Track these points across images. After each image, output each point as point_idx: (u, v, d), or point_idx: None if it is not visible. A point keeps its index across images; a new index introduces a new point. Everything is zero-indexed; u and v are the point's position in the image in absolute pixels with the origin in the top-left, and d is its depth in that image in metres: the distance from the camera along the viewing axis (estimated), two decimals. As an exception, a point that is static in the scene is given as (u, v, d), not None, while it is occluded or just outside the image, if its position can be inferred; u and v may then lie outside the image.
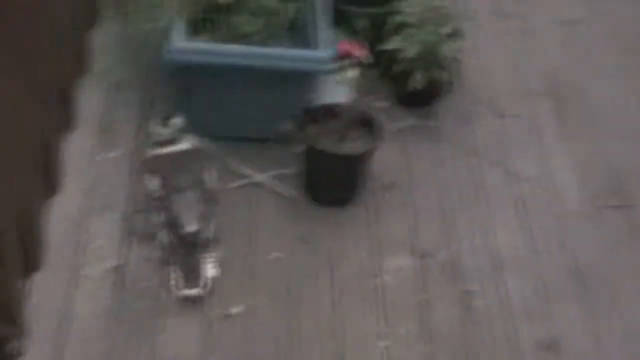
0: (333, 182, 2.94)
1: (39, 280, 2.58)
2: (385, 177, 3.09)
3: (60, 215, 2.78)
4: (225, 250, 2.78)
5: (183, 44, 2.90)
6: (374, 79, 3.34)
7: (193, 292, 2.65)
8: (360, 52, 3.19)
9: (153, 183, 2.75)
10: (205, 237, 2.72)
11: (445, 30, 3.16)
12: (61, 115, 2.68)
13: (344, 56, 3.16)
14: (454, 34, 3.21)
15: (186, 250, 2.69)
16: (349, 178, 2.94)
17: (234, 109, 3.03)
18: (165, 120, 2.77)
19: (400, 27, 3.18)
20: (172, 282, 2.66)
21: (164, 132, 2.71)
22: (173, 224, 2.69)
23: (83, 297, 2.60)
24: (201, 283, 2.67)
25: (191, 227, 2.67)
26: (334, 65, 2.97)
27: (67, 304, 2.58)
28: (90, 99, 3.19)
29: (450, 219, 3.00)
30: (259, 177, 3.02)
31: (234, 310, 2.63)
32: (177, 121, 2.74)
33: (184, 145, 2.76)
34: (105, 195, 2.90)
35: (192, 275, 2.68)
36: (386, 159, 3.09)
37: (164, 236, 2.72)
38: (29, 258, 2.38)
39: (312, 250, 2.83)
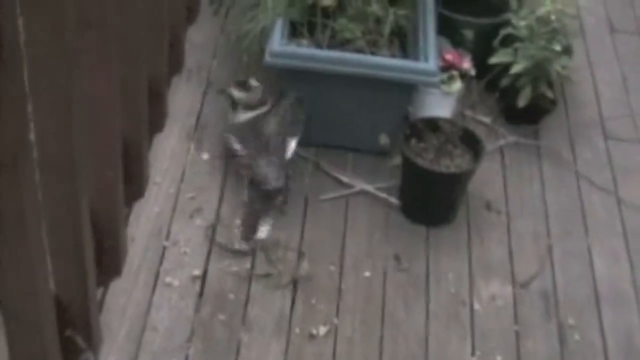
0: (430, 200, 2.80)
1: (118, 287, 2.50)
2: (483, 197, 2.94)
3: (144, 219, 2.70)
4: (312, 265, 2.66)
5: (282, 48, 2.78)
6: (478, 92, 3.19)
7: (242, 246, 2.65)
8: (465, 63, 3.05)
9: (238, 145, 2.77)
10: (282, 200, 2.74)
11: (556, 45, 2.98)
12: (151, 114, 2.59)
13: (448, 67, 3.03)
14: (565, 50, 3.04)
15: (262, 208, 2.70)
16: (447, 197, 2.80)
17: (330, 116, 2.91)
18: (242, 84, 2.84)
19: (510, 40, 3.02)
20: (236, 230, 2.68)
21: (242, 95, 2.82)
22: (258, 182, 2.71)
23: (163, 306, 2.50)
24: (255, 239, 2.67)
25: (278, 182, 2.71)
26: (439, 78, 2.82)
27: (146, 313, 2.47)
28: (184, 99, 3.09)
29: (548, 246, 2.84)
30: (354, 189, 2.89)
31: (320, 330, 2.51)
32: (255, 83, 2.81)
33: (264, 108, 2.79)
34: (194, 200, 2.80)
35: (249, 230, 2.67)
36: (485, 177, 2.94)
37: (245, 195, 2.73)
38: (109, 264, 2.29)
39: (405, 270, 2.69)
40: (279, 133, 2.82)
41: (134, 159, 2.43)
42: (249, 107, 2.83)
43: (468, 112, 3.20)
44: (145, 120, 2.44)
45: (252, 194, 2.74)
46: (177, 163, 2.90)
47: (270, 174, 2.73)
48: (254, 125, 2.82)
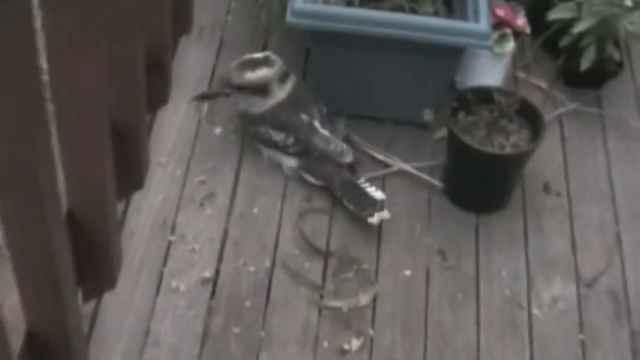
0: (481, 185, 2.39)
1: (115, 293, 2.11)
2: (541, 176, 2.52)
3: (146, 208, 2.31)
4: (342, 263, 2.27)
5: (307, 5, 2.36)
6: (532, 52, 2.76)
7: (378, 216, 2.31)
8: (519, 19, 2.62)
9: (279, 135, 2.39)
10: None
11: (627, 0, 2.54)
12: (151, 87, 2.18)
13: (499, 24, 2.60)
14: (637, 6, 2.59)
15: (347, 181, 2.38)
16: (501, 181, 2.39)
17: (363, 84, 2.50)
18: (254, 67, 2.39)
19: (572, -7, 2.59)
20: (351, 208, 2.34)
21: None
22: (323, 160, 2.39)
23: (167, 316, 2.12)
24: (377, 205, 2.32)
25: (349, 156, 2.41)
26: (493, 41, 2.39)
27: (147, 326, 2.10)
28: (194, 62, 2.68)
29: (616, 234, 2.43)
30: (390, 168, 2.48)
31: (352, 344, 2.13)
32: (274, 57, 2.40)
33: (289, 85, 2.40)
34: (205, 184, 2.40)
35: (365, 200, 2.33)
36: (542, 153, 2.50)
37: (310, 178, 2.41)
38: (99, 277, 1.91)
39: (451, 268, 2.29)
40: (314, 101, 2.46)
41: (130, 145, 2.03)
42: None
43: (521, 74, 2.77)
44: (142, 100, 2.03)
45: (330, 175, 2.39)
46: (185, 140, 2.50)
47: (336, 149, 2.40)
48: (282, 109, 2.42)
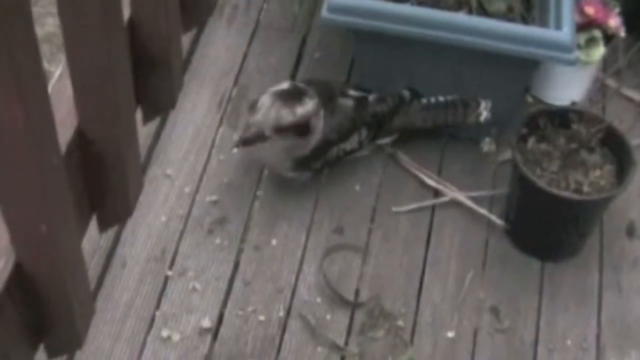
0: (550, 227, 1.96)
1: (97, 341, 1.75)
2: (624, 215, 2.08)
3: (144, 233, 1.94)
4: (371, 320, 1.87)
5: (346, 1, 1.92)
6: (626, 55, 2.27)
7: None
8: (612, 19, 2.16)
9: (352, 141, 2.02)
10: None
11: None
12: (150, 89, 1.82)
13: (587, 24, 2.14)
14: None
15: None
16: (574, 226, 1.95)
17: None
18: (292, 104, 1.91)
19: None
20: None
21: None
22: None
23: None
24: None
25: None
26: (577, 54, 1.94)
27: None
28: (221, 48, 2.28)
29: None
30: (442, 198, 2.06)
31: None
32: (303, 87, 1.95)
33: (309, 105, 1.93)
34: (216, 205, 2.02)
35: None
36: (629, 187, 2.04)
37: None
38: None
39: (504, 331, 1.88)
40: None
41: (116, 172, 1.67)
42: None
43: (611, 83, 2.31)
44: (124, 112, 1.66)
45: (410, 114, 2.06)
46: (200, 147, 2.12)
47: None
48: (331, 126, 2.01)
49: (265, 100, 1.88)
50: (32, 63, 1.18)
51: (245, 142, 1.89)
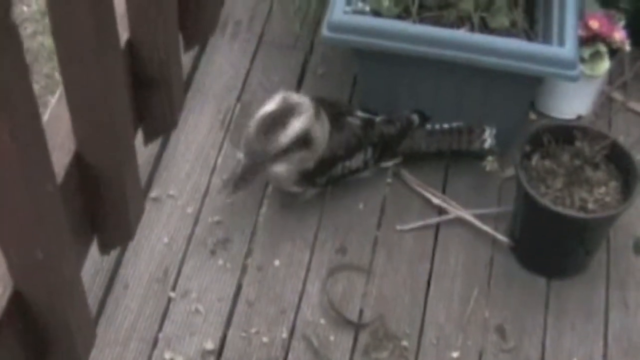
0: (556, 245, 1.94)
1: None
2: (630, 232, 2.05)
3: (146, 254, 1.93)
4: (375, 341, 1.85)
5: (348, 18, 1.91)
6: (632, 67, 2.26)
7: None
8: (617, 32, 2.14)
9: (358, 158, 2.02)
10: None
11: None
12: (150, 110, 1.81)
13: (591, 38, 2.12)
14: None
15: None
16: (580, 244, 1.93)
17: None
18: (283, 122, 1.88)
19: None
20: None
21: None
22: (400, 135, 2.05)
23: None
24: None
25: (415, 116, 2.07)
26: (580, 70, 1.92)
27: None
28: (223, 64, 2.27)
29: None
30: (446, 215, 2.04)
31: None
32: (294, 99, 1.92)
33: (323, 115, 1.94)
34: (220, 225, 2.01)
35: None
36: (636, 202, 2.02)
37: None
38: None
39: (510, 351, 1.86)
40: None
41: (113, 195, 1.66)
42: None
43: (617, 96, 2.29)
44: (122, 136, 1.65)
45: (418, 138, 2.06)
46: (203, 166, 2.10)
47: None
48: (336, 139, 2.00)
49: (254, 128, 1.87)
50: (24, 95, 1.17)
51: (238, 186, 1.89)
